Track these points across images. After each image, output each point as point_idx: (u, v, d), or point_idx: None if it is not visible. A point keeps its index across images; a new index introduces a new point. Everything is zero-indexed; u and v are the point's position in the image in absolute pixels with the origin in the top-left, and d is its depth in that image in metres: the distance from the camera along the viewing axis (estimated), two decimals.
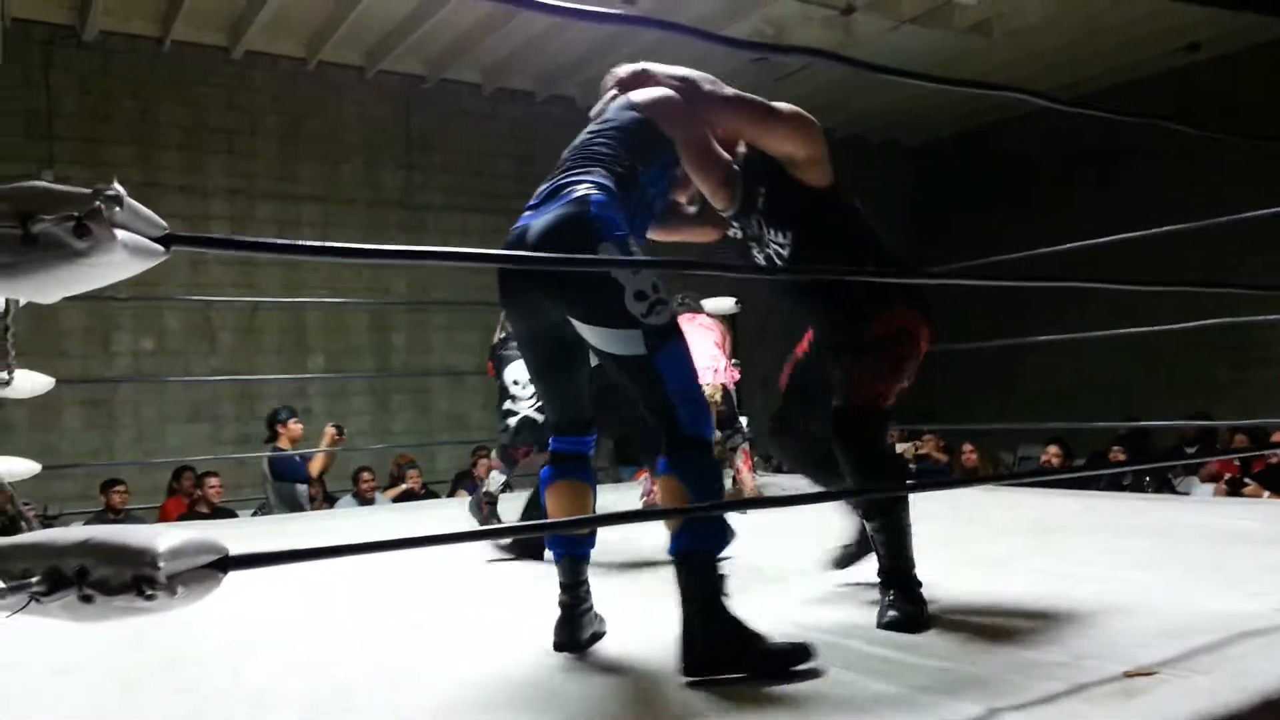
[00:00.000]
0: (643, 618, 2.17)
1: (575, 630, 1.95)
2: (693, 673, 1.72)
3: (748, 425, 4.58)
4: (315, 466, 6.21)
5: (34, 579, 0.89)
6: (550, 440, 2.07)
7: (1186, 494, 6.00)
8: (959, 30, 8.16)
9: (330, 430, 6.23)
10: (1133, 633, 1.91)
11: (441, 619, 2.40)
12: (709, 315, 4.44)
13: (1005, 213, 9.79)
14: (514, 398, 4.01)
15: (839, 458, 2.12)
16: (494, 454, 4.39)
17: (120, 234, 0.92)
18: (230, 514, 6.18)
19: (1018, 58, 8.55)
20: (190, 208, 7.91)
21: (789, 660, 1.74)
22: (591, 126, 2.09)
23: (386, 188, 8.94)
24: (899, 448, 7.53)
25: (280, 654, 2.09)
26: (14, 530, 3.70)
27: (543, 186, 1.97)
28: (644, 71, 2.14)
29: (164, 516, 6.29)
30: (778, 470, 7.44)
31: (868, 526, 2.21)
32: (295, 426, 6.19)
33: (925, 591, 2.14)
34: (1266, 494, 5.54)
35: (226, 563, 0.97)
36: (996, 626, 2.06)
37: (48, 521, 5.54)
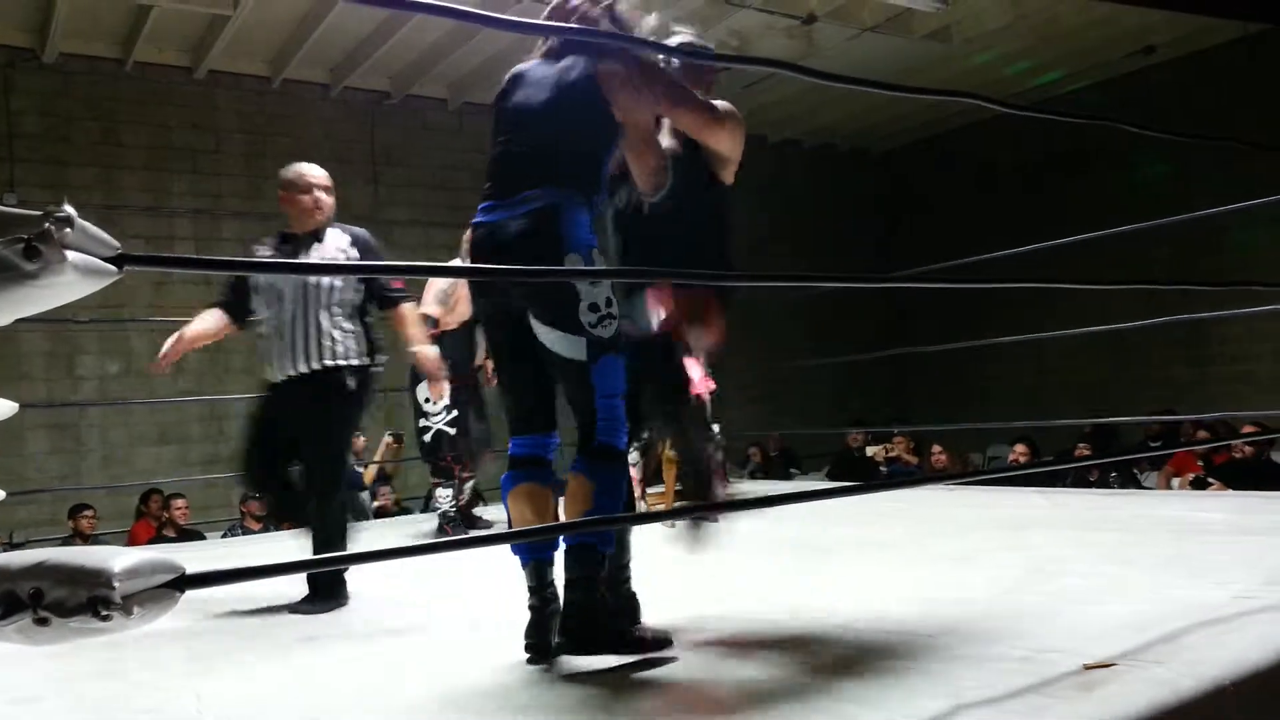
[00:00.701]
0: None
1: (546, 632, 1.97)
2: (565, 650, 1.90)
3: (720, 434, 4.61)
4: (369, 476, 6.57)
5: None
6: (510, 443, 2.09)
7: (1152, 489, 6.09)
8: (919, 37, 8.26)
9: (388, 439, 6.36)
10: (1095, 625, 1.94)
11: (404, 632, 2.39)
12: None
13: (973, 216, 9.90)
14: (425, 414, 4.20)
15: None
16: (429, 474, 4.50)
17: (71, 255, 0.93)
18: (198, 536, 6.11)
19: (977, 63, 8.68)
20: (155, 228, 7.84)
21: (651, 646, 1.91)
22: (549, 86, 2.01)
23: (354, 204, 8.86)
24: (869, 450, 7.59)
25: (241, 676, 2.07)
26: None
27: (501, 170, 2.00)
28: (613, 15, 2.09)
29: (133, 540, 6.20)
30: (752, 476, 7.47)
31: None
32: (357, 440, 6.26)
33: (895, 590, 2.17)
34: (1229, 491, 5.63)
35: (183, 582, 0.97)
36: (961, 622, 2.08)
37: (11, 549, 5.46)
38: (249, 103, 8.41)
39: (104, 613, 0.90)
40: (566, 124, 1.99)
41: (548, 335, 1.94)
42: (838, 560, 3.00)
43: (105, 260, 0.98)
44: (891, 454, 7.35)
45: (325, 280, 2.87)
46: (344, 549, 2.67)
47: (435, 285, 4.24)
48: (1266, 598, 2.03)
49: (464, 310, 4.12)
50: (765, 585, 2.64)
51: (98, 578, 0.90)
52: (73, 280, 0.93)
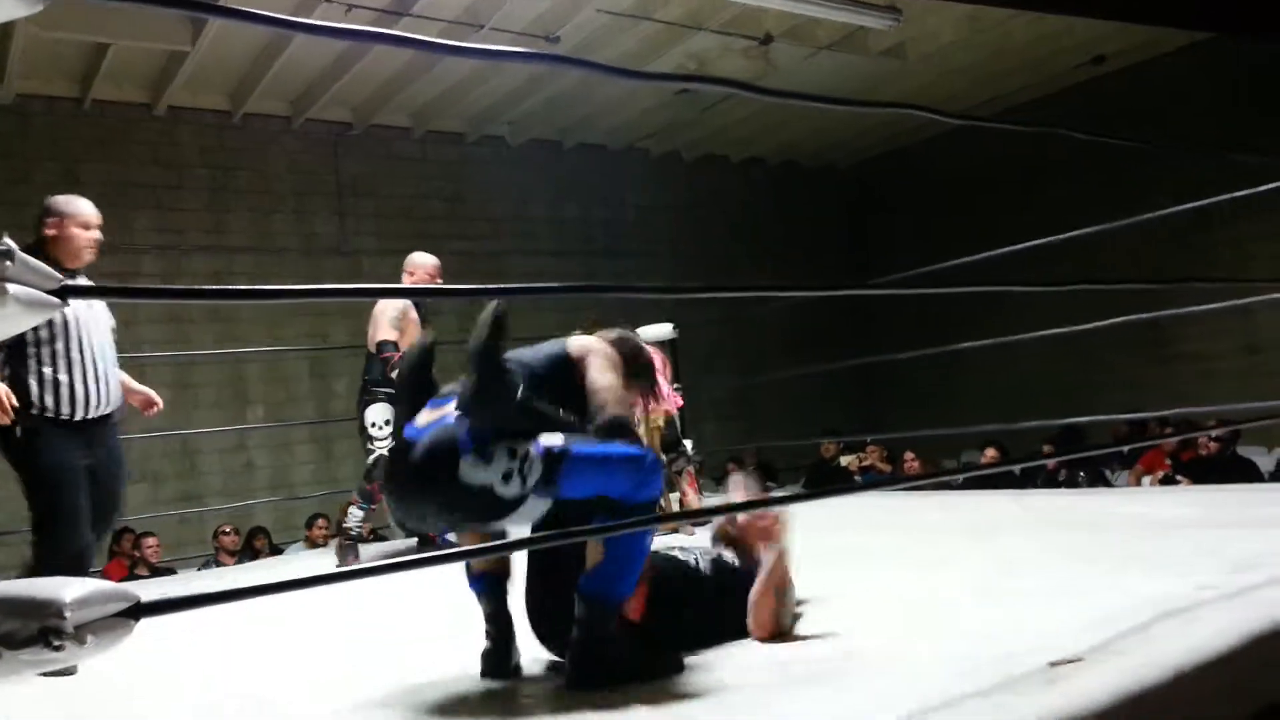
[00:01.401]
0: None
1: (503, 659, 1.98)
2: (573, 687, 1.84)
3: (692, 449, 4.63)
4: None
5: None
6: None
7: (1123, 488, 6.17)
8: (874, 55, 8.40)
9: None
10: (1062, 622, 1.96)
11: (371, 655, 2.38)
12: (647, 343, 4.49)
13: (939, 226, 10.03)
14: (372, 438, 4.25)
15: None
16: (355, 491, 4.52)
17: (11, 288, 0.93)
18: (171, 573, 6.03)
19: (932, 79, 8.83)
20: (119, 265, 7.74)
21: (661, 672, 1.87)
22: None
23: (320, 235, 8.87)
24: (843, 460, 7.63)
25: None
26: None
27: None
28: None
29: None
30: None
31: None
32: None
33: (866, 593, 2.19)
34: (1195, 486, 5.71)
35: (138, 610, 0.97)
36: (931, 624, 2.10)
37: None
38: (210, 137, 8.37)
39: (56, 643, 0.89)
40: None
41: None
42: (810, 566, 3.01)
43: (47, 293, 0.98)
44: (865, 463, 7.39)
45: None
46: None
47: (386, 313, 4.25)
48: (1226, 587, 2.06)
49: (413, 334, 4.16)
50: None
51: (48, 608, 0.89)
52: (15, 312, 0.93)
